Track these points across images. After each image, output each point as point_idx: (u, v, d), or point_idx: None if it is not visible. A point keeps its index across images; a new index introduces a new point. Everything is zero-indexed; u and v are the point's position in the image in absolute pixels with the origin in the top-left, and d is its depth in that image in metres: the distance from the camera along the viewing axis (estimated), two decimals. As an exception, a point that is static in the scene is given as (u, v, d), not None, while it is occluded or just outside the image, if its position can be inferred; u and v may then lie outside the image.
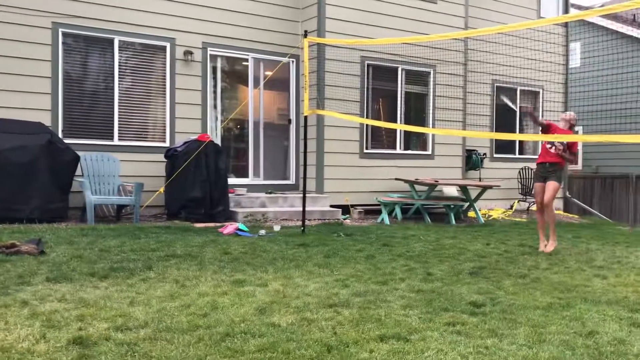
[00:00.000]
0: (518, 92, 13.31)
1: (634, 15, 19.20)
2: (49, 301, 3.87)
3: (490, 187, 10.92)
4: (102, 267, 5.00)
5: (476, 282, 5.09)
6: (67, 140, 8.35)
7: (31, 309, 3.66)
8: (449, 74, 11.61)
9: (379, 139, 11.18)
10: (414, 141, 11.60)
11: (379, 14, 10.68)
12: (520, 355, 3.17)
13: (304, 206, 7.93)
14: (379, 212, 10.06)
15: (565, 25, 13.99)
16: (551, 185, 7.13)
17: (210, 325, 3.46)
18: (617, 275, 5.68)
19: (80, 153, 8.22)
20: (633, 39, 17.00)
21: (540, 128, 7.12)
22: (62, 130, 8.66)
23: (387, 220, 9.68)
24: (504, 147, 13.13)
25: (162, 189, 8.76)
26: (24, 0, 8.35)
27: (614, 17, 17.89)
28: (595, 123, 16.55)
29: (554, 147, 7.17)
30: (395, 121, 11.10)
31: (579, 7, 17.05)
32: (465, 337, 3.48)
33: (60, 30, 8.65)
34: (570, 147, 7.25)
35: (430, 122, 11.48)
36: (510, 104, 13.26)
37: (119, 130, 9.17)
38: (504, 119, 13.07)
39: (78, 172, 8.24)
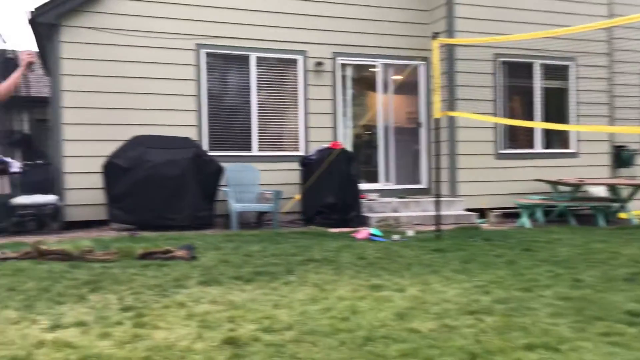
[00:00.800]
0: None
1: None
2: (202, 303, 4.16)
3: (644, 185, 10.00)
4: (247, 271, 5.29)
5: (633, 290, 4.69)
6: (211, 153, 8.95)
7: (187, 310, 3.96)
8: (591, 66, 10.83)
9: (516, 139, 10.71)
10: (554, 139, 10.96)
11: (511, 8, 10.27)
12: (690, 371, 2.88)
13: (437, 210, 7.81)
14: (518, 215, 9.62)
15: None
16: None
17: (351, 329, 3.53)
18: None
19: (223, 164, 8.77)
20: None
21: None
22: (207, 144, 9.30)
23: (527, 224, 9.24)
24: (658, 141, 11.97)
25: (298, 196, 9.08)
26: (171, 25, 9.10)
27: None
28: None
29: None
30: (532, 119, 10.58)
31: None
32: (623, 348, 3.22)
33: (203, 51, 9.32)
34: None
35: (572, 119, 10.78)
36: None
37: (257, 141, 9.67)
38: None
39: (222, 182, 8.80)
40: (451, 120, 9.80)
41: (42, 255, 5.69)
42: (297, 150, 9.84)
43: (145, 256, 5.81)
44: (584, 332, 3.54)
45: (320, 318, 3.80)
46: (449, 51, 9.86)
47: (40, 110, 12.70)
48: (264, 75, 9.82)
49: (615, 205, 10.01)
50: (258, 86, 9.74)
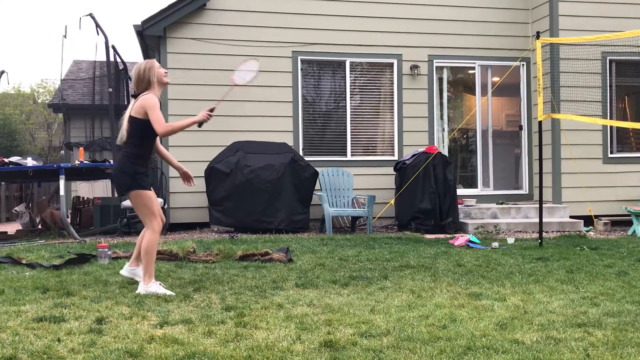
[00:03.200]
0: None
1: None
2: (299, 305, 4.23)
3: None
4: (342, 275, 5.32)
5: None
6: (306, 158, 9.10)
7: (286, 311, 4.04)
8: None
9: (627, 142, 10.05)
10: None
11: (621, 3, 9.65)
12: None
13: (540, 217, 7.47)
14: (629, 223, 9.00)
15: None
16: None
17: (450, 338, 3.45)
18: None
19: (318, 169, 8.89)
20: None
21: None
22: (302, 149, 9.46)
23: (638, 232, 8.62)
24: None
25: (392, 201, 9.02)
26: (269, 34, 9.37)
27: None
28: None
29: None
30: (644, 121, 9.88)
31: None
32: None
33: (299, 57, 9.50)
34: None
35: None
36: None
37: (351, 146, 9.71)
38: None
39: (317, 186, 8.91)
40: (555, 122, 9.35)
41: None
42: (392, 155, 9.79)
43: (244, 258, 6.00)
44: None
45: (418, 325, 3.74)
46: (552, 51, 9.42)
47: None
48: (358, 80, 9.86)
49: None
50: (352, 91, 9.79)
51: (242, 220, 8.39)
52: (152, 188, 4.67)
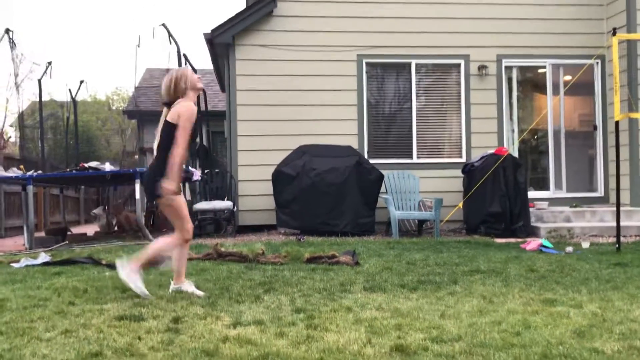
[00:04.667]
0: None
1: None
2: (368, 309, 4.24)
3: None
4: (410, 279, 5.28)
5: None
6: (371, 161, 9.10)
7: (355, 314, 4.06)
8: None
9: None
10: None
11: None
12: None
13: (618, 221, 7.15)
14: None
15: None
16: None
17: (525, 345, 3.37)
18: None
19: (383, 172, 8.86)
20: None
21: None
22: (367, 152, 9.46)
23: None
24: None
25: (460, 204, 8.87)
26: (333, 38, 9.44)
27: None
28: None
29: None
30: None
31: None
32: None
33: (364, 61, 9.53)
34: None
35: None
36: None
37: (417, 148, 9.63)
38: None
39: (382, 189, 8.89)
40: (632, 122, 8.93)
41: (220, 256, 6.19)
42: (459, 157, 9.63)
43: (311, 260, 6.06)
44: None
45: (490, 331, 3.67)
46: (629, 47, 9.01)
47: (215, 123, 13.84)
48: (423, 81, 9.77)
49: None
50: (417, 93, 9.71)
51: (309, 222, 8.47)
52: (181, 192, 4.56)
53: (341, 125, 9.46)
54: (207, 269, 5.71)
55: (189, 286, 4.62)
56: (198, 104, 12.72)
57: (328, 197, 8.49)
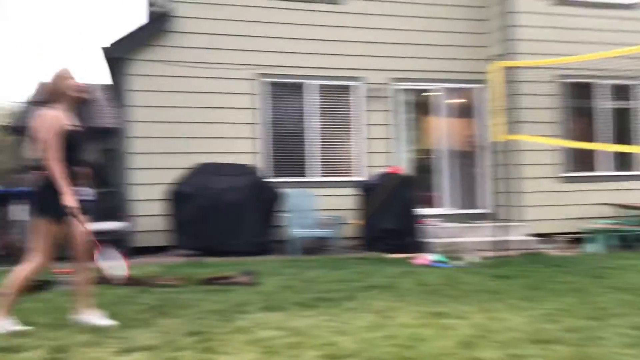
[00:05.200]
0: None
1: None
2: (265, 329, 4.21)
3: None
4: (308, 297, 5.31)
5: None
6: (271, 179, 9.12)
7: (251, 335, 4.02)
8: (660, 84, 10.44)
9: (581, 161, 10.37)
10: (622, 161, 10.55)
11: (573, 29, 10.04)
12: None
13: (501, 235, 7.63)
14: (585, 240, 9.27)
15: None
16: None
17: (416, 357, 3.49)
18: None
19: (283, 190, 8.90)
20: None
21: None
22: (267, 170, 9.47)
23: (595, 250, 8.88)
24: None
25: (357, 221, 9.08)
26: (232, 56, 9.41)
27: None
28: None
29: None
30: (597, 141, 10.24)
31: None
32: None
33: (261, 80, 9.57)
34: None
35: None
36: None
37: (316, 167, 9.77)
38: None
39: (281, 208, 8.92)
40: (512, 143, 9.60)
41: (110, 280, 5.90)
42: (357, 176, 9.87)
43: (208, 281, 5.95)
44: (662, 364, 3.37)
45: (384, 345, 3.77)
46: (509, 73, 9.72)
47: (106, 140, 13.27)
48: (322, 102, 9.96)
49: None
50: (317, 113, 9.88)
51: (207, 243, 8.31)
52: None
53: (241, 144, 9.42)
54: (96, 294, 5.42)
55: (91, 316, 4.31)
56: (87, 119, 12.16)
57: (227, 216, 8.38)
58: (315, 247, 9.18)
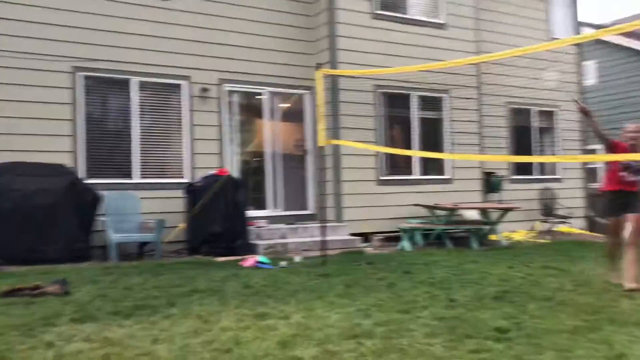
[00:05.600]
0: (533, 113, 13.28)
1: (647, 30, 19.14)
2: (74, 342, 3.91)
3: (511, 209, 10.83)
4: (125, 306, 5.04)
5: (500, 307, 5.03)
6: (89, 181, 8.51)
7: (57, 350, 3.70)
8: (463, 98, 11.65)
9: (397, 166, 11.20)
10: (431, 166, 11.59)
11: (390, 42, 10.81)
12: (547, 381, 3.12)
13: (323, 236, 7.94)
14: (400, 239, 10.02)
15: (578, 44, 14.00)
16: (636, 221, 5.62)
17: (233, 361, 3.48)
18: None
19: (102, 192, 8.37)
20: (648, 54, 16.94)
21: (605, 146, 5.85)
22: (84, 171, 8.83)
23: (408, 247, 9.64)
24: (523, 168, 13.06)
25: (182, 225, 8.85)
26: (46, 47, 8.62)
27: (630, 34, 17.87)
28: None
29: (629, 175, 5.66)
30: (411, 147, 11.13)
31: (591, 26, 17.06)
32: (490, 364, 3.44)
33: (78, 74, 8.90)
34: None
35: (447, 147, 11.48)
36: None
37: (139, 168, 9.33)
38: (520, 139, 13.03)
39: (100, 211, 8.37)
40: (336, 148, 10.06)
41: None
42: (182, 178, 9.61)
43: (10, 293, 5.37)
44: (455, 350, 3.73)
45: (202, 351, 3.70)
46: (333, 81, 10.18)
47: None
48: (146, 100, 9.54)
49: (486, 227, 10.73)
50: (140, 111, 9.43)
51: (12, 250, 7.50)
52: None
53: (54, 142, 8.65)
54: None
55: None
56: None
57: (36, 221, 7.65)
58: (137, 252, 8.76)
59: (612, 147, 5.76)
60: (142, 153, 9.38)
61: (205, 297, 5.47)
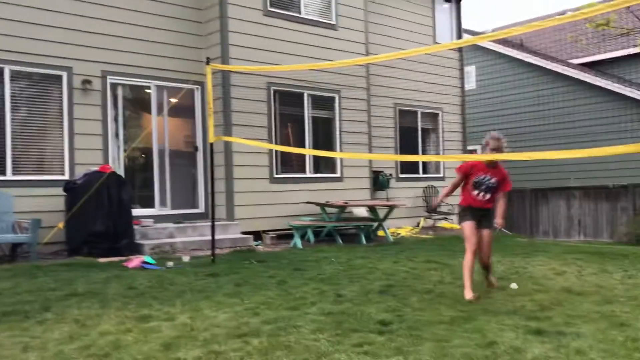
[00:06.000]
0: (419, 114, 13.89)
1: (521, 40, 20.70)
2: None
3: (397, 206, 11.26)
4: (-7, 312, 4.65)
5: (385, 301, 5.19)
6: (-48, 177, 7.78)
7: None
8: (353, 98, 11.93)
9: (289, 164, 11.25)
10: (323, 164, 11.78)
11: (281, 40, 10.83)
12: (425, 370, 3.26)
13: (212, 235, 7.80)
14: (292, 236, 10.08)
15: (460, 49, 14.83)
16: (487, 236, 5.63)
17: (111, 366, 3.31)
18: (505, 284, 5.99)
19: (-32, 190, 7.67)
20: (521, 62, 18.29)
21: (460, 181, 5.69)
22: (-53, 167, 8.06)
23: (299, 244, 9.71)
24: (408, 167, 13.61)
25: (61, 224, 8.32)
26: None
27: (504, 41, 19.20)
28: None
29: (480, 194, 5.56)
30: (303, 146, 11.23)
31: (472, 33, 18.14)
32: (372, 357, 3.53)
33: (-58, 59, 8.10)
34: (504, 186, 5.60)
35: (338, 146, 11.71)
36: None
37: (13, 164, 8.65)
38: (407, 139, 13.58)
39: (-34, 210, 7.68)
40: (227, 145, 9.92)
41: None
42: (62, 174, 9.03)
43: None
44: (340, 344, 3.80)
45: (77, 357, 3.50)
46: (224, 77, 10.02)
47: None
48: (22, 91, 8.86)
49: (375, 224, 11.07)
50: (14, 103, 8.75)
51: None
52: None
53: None
54: None
55: None
56: None
57: None
58: (10, 254, 8.12)
59: (467, 176, 5.60)
60: (17, 148, 8.71)
61: (84, 300, 5.18)
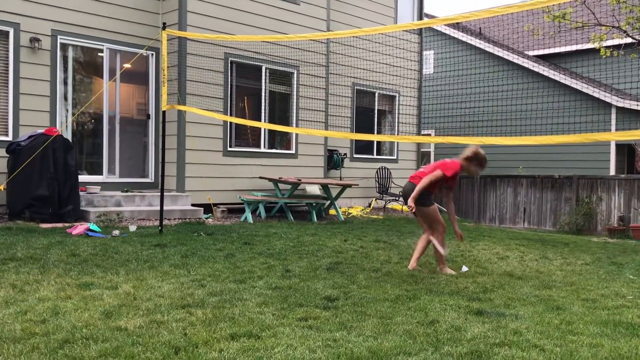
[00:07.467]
0: (377, 96, 13.94)
1: (480, 28, 20.98)
2: None
3: (350, 185, 11.31)
4: None
5: (332, 277, 5.23)
6: None
7: None
8: (311, 75, 11.84)
9: (244, 137, 11.12)
10: (279, 140, 11.69)
11: (242, 11, 10.61)
12: (366, 346, 3.29)
13: (161, 205, 7.66)
14: (243, 210, 10.00)
15: (420, 33, 14.89)
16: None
17: (48, 332, 3.21)
18: (459, 268, 6.13)
19: None
20: (478, 49, 18.53)
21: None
22: None
23: (250, 219, 9.65)
24: (363, 147, 13.68)
25: (2, 187, 8.00)
26: None
27: (463, 29, 19.39)
28: (447, 126, 17.85)
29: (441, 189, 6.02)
30: (259, 119, 11.11)
31: (434, 17, 18.22)
32: (316, 331, 3.55)
33: None
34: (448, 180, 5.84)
35: (294, 122, 11.63)
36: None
37: (-50, 121, 8.25)
38: (363, 120, 13.62)
39: None
40: (181, 114, 9.71)
41: None
42: (5, 135, 8.68)
43: None
44: (285, 318, 3.80)
45: (12, 322, 3.38)
46: (180, 44, 9.76)
47: None
48: (-37, 45, 8.42)
49: (327, 202, 11.10)
50: (-45, 57, 8.31)
51: None
52: None
53: None
54: None
55: None
56: None
57: None
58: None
59: (447, 180, 5.81)
60: (-45, 104, 8.30)
61: (23, 266, 5.01)
